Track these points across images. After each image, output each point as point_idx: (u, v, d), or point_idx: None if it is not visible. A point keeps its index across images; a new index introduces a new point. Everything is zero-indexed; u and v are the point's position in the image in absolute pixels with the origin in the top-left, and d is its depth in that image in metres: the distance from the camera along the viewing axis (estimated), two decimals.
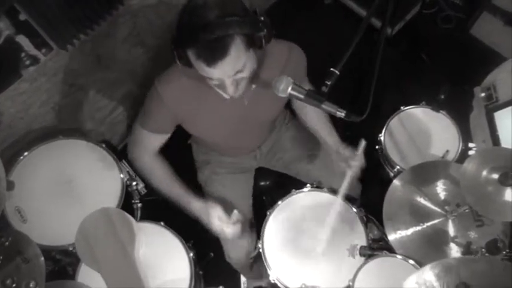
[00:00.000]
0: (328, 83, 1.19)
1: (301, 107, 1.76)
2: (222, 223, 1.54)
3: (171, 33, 1.22)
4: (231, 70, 1.22)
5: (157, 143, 1.60)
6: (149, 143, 1.58)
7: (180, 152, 1.88)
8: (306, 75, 1.61)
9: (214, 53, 1.16)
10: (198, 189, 1.89)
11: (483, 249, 1.39)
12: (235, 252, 1.80)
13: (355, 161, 1.56)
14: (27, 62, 1.75)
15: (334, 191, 1.74)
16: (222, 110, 1.49)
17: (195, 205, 1.58)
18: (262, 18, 1.20)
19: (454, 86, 2.01)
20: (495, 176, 1.38)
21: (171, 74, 1.43)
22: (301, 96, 1.21)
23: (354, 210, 1.70)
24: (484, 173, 1.41)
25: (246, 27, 1.17)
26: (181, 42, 1.19)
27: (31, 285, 1.43)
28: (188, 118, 1.52)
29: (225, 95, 1.36)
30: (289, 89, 1.21)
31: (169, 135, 1.59)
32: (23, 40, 1.68)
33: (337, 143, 1.67)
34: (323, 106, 1.20)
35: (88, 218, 1.41)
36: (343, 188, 1.59)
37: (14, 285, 1.42)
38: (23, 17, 1.62)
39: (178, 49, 1.21)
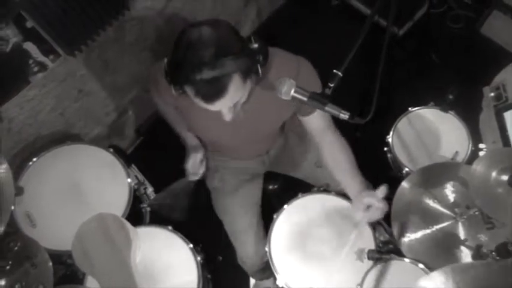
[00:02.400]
0: (332, 85, 1.19)
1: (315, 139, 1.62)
2: (193, 167, 1.72)
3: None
4: (230, 104, 1.24)
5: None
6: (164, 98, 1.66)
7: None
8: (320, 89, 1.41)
9: (212, 93, 1.16)
10: (207, 194, 1.90)
11: (493, 253, 1.37)
12: (249, 257, 1.80)
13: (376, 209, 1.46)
14: (35, 69, 1.77)
15: (342, 195, 1.73)
16: (214, 114, 1.44)
17: (187, 141, 1.76)
18: (256, 46, 1.20)
19: (463, 86, 1.98)
20: (505, 177, 1.36)
21: None
22: (304, 99, 1.20)
23: None
24: (494, 174, 1.38)
25: (243, 64, 1.16)
26: (178, 80, 1.19)
27: None
28: (184, 109, 1.53)
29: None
30: (292, 91, 1.20)
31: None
32: (30, 47, 1.70)
33: (358, 188, 1.52)
34: (326, 108, 1.19)
35: (84, 224, 1.42)
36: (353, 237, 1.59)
37: None
38: (29, 24, 1.64)
39: (175, 84, 1.21)
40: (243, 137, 1.58)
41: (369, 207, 1.47)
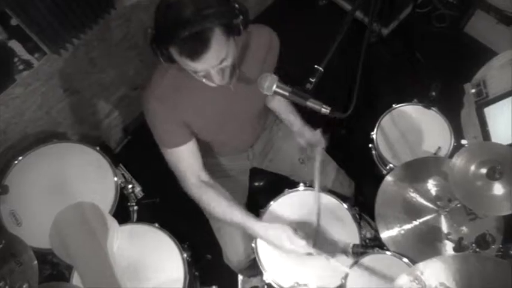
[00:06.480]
0: (313, 80, 1.20)
1: None
2: (294, 244, 1.48)
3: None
4: (215, 61, 1.24)
5: (191, 156, 1.55)
6: (184, 160, 1.54)
7: None
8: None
9: (197, 47, 1.18)
10: None
11: (473, 244, 1.39)
12: (234, 255, 1.80)
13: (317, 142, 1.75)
14: (21, 67, 1.77)
15: (328, 191, 1.75)
16: (209, 99, 1.47)
17: (260, 230, 1.53)
18: (237, 5, 1.22)
19: (445, 84, 2.02)
20: (483, 170, 1.38)
21: (153, 84, 1.42)
22: (286, 94, 1.22)
23: (346, 207, 1.70)
24: (472, 167, 1.40)
25: (223, 17, 1.18)
26: (162, 41, 1.21)
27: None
28: (188, 117, 1.49)
29: (211, 84, 1.35)
30: (274, 86, 1.22)
31: (193, 140, 1.54)
32: (15, 45, 1.70)
33: (300, 123, 1.79)
34: (308, 103, 1.21)
35: (62, 211, 1.43)
36: (317, 172, 1.71)
37: (7, 287, 1.44)
38: (14, 22, 1.64)
39: (160, 48, 1.22)
40: (235, 121, 1.60)
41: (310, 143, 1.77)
